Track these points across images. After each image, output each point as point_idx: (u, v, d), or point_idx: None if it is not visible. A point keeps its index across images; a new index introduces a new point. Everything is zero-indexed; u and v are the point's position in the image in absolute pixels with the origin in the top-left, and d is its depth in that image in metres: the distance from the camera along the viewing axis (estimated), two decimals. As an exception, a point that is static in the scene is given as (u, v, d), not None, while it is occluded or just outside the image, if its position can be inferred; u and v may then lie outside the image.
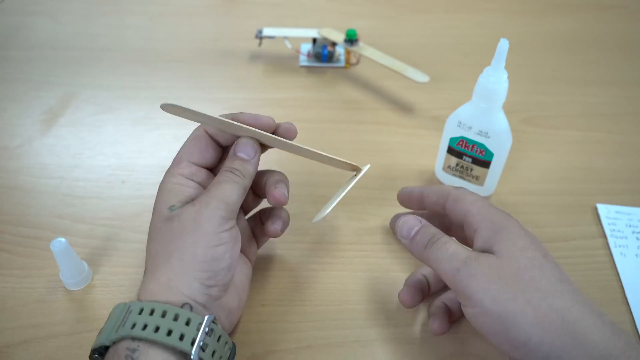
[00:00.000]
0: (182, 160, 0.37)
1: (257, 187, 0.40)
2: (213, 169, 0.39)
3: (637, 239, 0.47)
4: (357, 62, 0.70)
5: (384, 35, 0.76)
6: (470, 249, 0.34)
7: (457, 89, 0.66)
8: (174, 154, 0.55)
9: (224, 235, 0.34)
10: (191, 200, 0.35)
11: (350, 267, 0.45)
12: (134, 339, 0.30)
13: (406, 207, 0.44)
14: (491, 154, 0.45)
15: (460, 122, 0.46)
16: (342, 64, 0.70)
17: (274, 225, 0.40)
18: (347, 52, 0.70)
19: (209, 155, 0.38)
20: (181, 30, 0.77)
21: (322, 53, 0.69)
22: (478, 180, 0.49)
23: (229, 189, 0.35)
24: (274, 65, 0.70)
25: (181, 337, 0.30)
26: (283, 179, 0.40)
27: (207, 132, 0.38)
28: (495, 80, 0.42)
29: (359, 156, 0.56)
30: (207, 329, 0.31)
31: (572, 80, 0.68)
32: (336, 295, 0.42)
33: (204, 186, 0.37)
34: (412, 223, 0.36)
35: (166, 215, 0.34)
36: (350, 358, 0.38)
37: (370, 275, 0.44)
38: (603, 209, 0.49)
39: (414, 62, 0.63)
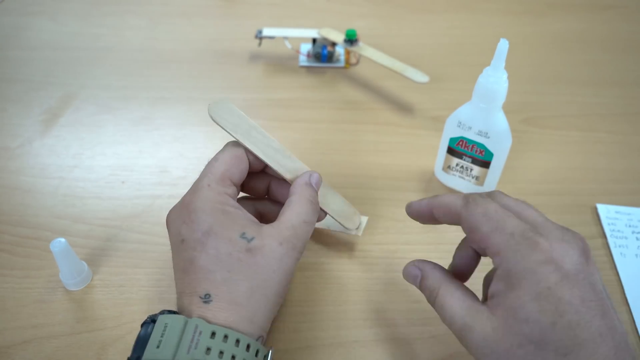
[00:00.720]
0: (225, 178, 0.36)
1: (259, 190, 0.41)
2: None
3: (637, 239, 0.47)
4: (357, 62, 0.70)
5: (383, 35, 0.76)
6: (470, 305, 0.31)
7: (457, 89, 0.66)
8: (174, 154, 0.56)
9: (293, 274, 0.35)
10: (254, 223, 0.35)
11: (350, 267, 0.45)
12: None
13: (423, 224, 0.38)
14: (491, 154, 0.45)
15: (460, 122, 0.46)
16: (342, 64, 0.70)
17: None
18: (347, 52, 0.70)
19: (244, 177, 0.38)
20: (181, 30, 0.77)
21: (322, 53, 0.69)
22: (478, 180, 0.49)
23: (310, 231, 0.36)
24: (274, 65, 0.70)
25: None
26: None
27: (247, 155, 0.38)
28: (495, 80, 0.42)
29: (359, 156, 0.56)
30: None
31: (572, 80, 0.68)
32: (336, 295, 0.42)
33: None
34: (414, 273, 0.35)
35: (243, 245, 0.33)
36: (350, 358, 0.38)
37: (370, 276, 0.44)
38: (603, 209, 0.49)
39: (414, 62, 0.62)
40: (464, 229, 0.33)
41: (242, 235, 0.33)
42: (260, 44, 0.69)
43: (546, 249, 0.28)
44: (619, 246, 0.46)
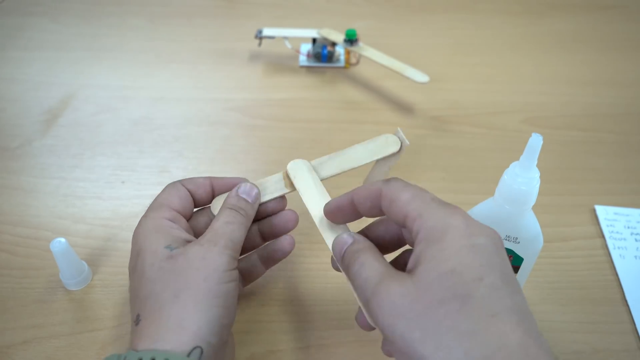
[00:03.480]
0: (163, 206, 0.36)
1: None
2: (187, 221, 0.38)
3: (636, 240, 0.47)
4: (357, 62, 0.70)
5: (383, 35, 0.76)
6: (391, 268, 0.29)
7: (457, 89, 0.66)
8: (174, 154, 0.56)
9: (233, 273, 0.33)
10: (184, 241, 0.34)
11: (350, 268, 0.45)
12: None
13: (343, 222, 0.35)
14: (521, 259, 0.39)
15: None
16: (342, 64, 0.70)
17: (285, 238, 0.39)
18: (347, 52, 0.70)
19: (188, 204, 0.37)
20: (181, 30, 0.77)
21: (322, 53, 0.69)
22: None
23: (236, 229, 0.34)
24: (274, 65, 0.70)
25: None
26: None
27: (185, 187, 0.38)
28: (524, 181, 0.34)
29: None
30: None
31: (572, 80, 0.68)
32: (336, 295, 0.42)
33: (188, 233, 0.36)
34: (344, 240, 0.32)
35: (166, 254, 0.32)
36: (350, 358, 0.38)
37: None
38: (601, 211, 0.49)
39: (414, 62, 0.62)
40: (384, 205, 0.31)
41: (167, 247, 0.33)
42: (260, 44, 0.69)
43: (466, 218, 0.28)
44: (618, 247, 0.46)
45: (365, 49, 0.65)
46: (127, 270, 0.43)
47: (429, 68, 0.63)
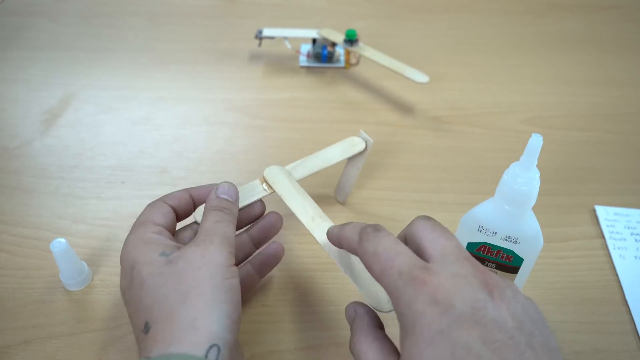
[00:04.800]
0: (147, 222, 0.36)
1: None
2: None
3: (636, 240, 0.47)
4: (357, 63, 0.70)
5: (383, 36, 0.76)
6: (384, 357, 0.28)
7: (457, 89, 0.66)
8: (174, 154, 0.56)
9: (234, 268, 0.32)
10: (178, 247, 0.33)
11: (350, 268, 0.45)
12: None
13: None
14: (521, 260, 0.39)
15: (482, 227, 0.38)
16: (342, 64, 0.70)
17: (274, 244, 0.40)
18: (347, 53, 0.70)
19: (170, 219, 0.37)
20: (181, 30, 0.77)
21: (322, 53, 0.69)
22: None
23: (226, 226, 0.34)
24: (274, 65, 0.70)
25: None
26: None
27: (165, 202, 0.37)
28: (524, 181, 0.34)
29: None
30: None
31: (572, 80, 0.68)
32: (336, 295, 0.42)
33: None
34: (349, 314, 0.32)
35: (163, 260, 0.32)
36: (350, 358, 0.38)
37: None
38: (601, 211, 0.49)
39: (414, 62, 0.62)
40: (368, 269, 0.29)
41: (162, 254, 0.33)
42: (260, 44, 0.69)
43: (434, 287, 0.25)
44: (618, 248, 0.46)
45: (366, 49, 0.65)
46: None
47: (429, 68, 0.63)
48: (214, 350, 0.28)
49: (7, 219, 0.48)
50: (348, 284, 0.43)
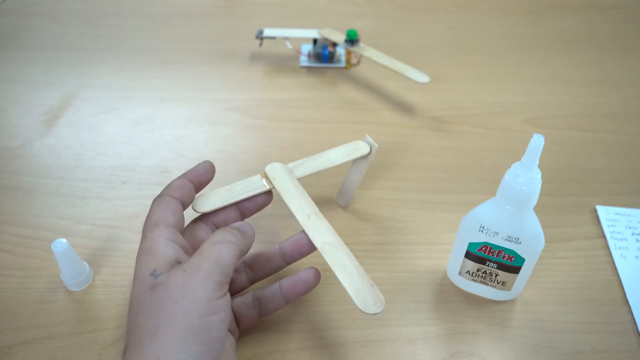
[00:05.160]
0: (159, 224, 0.34)
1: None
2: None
3: (637, 240, 0.47)
4: (358, 63, 0.70)
5: (384, 36, 0.76)
6: None
7: (458, 89, 0.66)
8: (175, 155, 0.56)
9: (219, 302, 0.30)
10: (175, 262, 0.32)
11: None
12: None
13: None
14: (522, 260, 0.39)
15: (483, 227, 0.38)
16: (343, 64, 0.70)
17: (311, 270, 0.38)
18: (348, 53, 0.70)
19: (180, 216, 0.36)
20: (182, 30, 0.77)
21: (323, 53, 0.69)
22: (504, 285, 0.41)
23: (225, 250, 0.32)
24: (275, 65, 0.70)
25: None
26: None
27: (172, 197, 0.36)
28: (525, 181, 0.34)
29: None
30: None
31: (572, 81, 0.68)
32: (336, 295, 0.42)
33: (185, 250, 0.35)
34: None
35: (150, 282, 0.31)
36: (351, 358, 0.38)
37: (370, 276, 0.44)
38: (602, 211, 0.49)
39: (414, 62, 0.63)
40: None
41: (152, 273, 0.32)
42: (261, 44, 0.69)
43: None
44: (619, 248, 0.46)
45: (366, 49, 0.65)
46: (128, 271, 0.44)
47: (430, 68, 0.63)
48: None
49: (8, 219, 0.48)
50: (349, 284, 0.43)
